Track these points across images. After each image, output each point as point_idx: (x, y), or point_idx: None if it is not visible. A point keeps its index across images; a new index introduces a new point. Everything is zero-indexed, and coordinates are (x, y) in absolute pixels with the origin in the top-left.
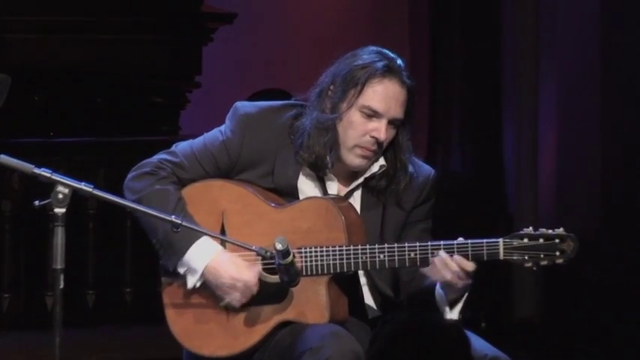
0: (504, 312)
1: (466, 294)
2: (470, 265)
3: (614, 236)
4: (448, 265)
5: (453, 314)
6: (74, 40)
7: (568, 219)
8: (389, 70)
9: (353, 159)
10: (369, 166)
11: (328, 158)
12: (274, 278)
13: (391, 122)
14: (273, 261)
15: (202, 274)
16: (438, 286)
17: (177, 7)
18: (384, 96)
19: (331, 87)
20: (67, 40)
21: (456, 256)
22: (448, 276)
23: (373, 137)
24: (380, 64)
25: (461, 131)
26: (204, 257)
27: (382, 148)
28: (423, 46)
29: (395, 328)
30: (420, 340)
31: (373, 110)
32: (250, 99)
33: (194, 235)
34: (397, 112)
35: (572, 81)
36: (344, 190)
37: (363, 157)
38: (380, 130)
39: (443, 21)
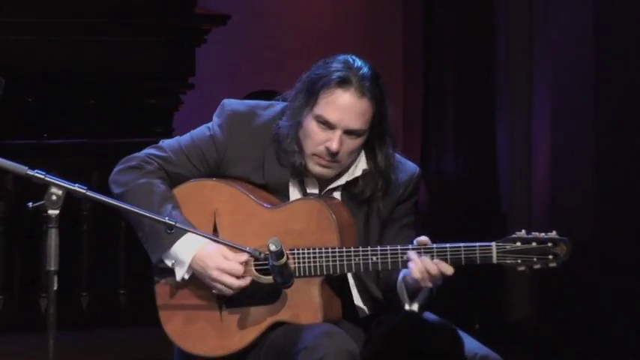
0: (498, 313)
1: (434, 288)
2: (450, 270)
3: (608, 237)
4: (428, 269)
5: (413, 306)
6: (67, 42)
7: (562, 220)
8: (343, 81)
9: (313, 166)
10: (331, 176)
11: (301, 163)
12: (268, 279)
13: (348, 133)
14: (266, 262)
15: (190, 266)
16: (399, 279)
17: (171, 9)
18: (336, 106)
19: (299, 94)
20: (61, 42)
21: (436, 260)
22: (426, 279)
23: (326, 147)
24: (335, 75)
25: (454, 132)
26: (191, 248)
27: (342, 159)
28: (416, 47)
29: (389, 330)
30: (413, 342)
31: (325, 120)
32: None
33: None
34: (352, 122)
35: (566, 81)
36: (323, 190)
37: (322, 165)
38: (333, 140)
39: (436, 22)
